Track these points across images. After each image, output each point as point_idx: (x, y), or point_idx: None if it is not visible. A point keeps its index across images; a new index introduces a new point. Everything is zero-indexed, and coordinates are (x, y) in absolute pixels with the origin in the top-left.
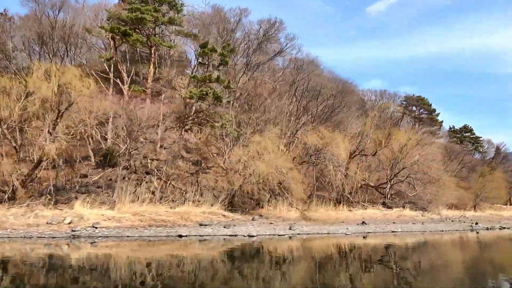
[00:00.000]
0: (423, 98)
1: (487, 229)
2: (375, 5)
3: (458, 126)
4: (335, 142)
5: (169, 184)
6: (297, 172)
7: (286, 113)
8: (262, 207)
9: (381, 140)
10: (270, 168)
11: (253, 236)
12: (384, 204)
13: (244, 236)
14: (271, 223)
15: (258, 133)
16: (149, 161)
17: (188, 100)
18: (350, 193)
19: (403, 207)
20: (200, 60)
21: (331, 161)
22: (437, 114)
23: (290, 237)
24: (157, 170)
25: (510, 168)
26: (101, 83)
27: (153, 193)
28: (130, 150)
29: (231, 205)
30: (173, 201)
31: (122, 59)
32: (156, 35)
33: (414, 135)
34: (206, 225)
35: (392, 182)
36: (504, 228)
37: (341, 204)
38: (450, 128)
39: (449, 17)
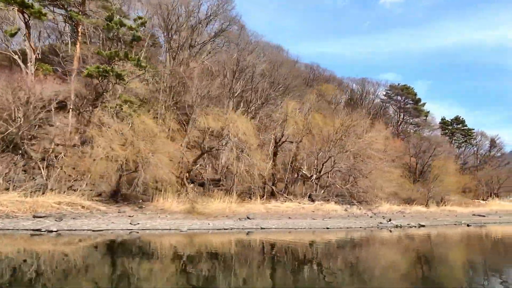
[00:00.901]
0: (408, 87)
1: (396, 226)
2: None
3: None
4: (235, 125)
5: (59, 171)
6: (166, 158)
7: (229, 97)
8: (163, 199)
9: (307, 127)
10: (132, 153)
11: (53, 231)
12: (310, 197)
13: (48, 231)
14: (130, 216)
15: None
16: (52, 146)
17: (96, 79)
18: (286, 185)
19: (328, 200)
20: (108, 35)
21: (234, 146)
22: (423, 104)
23: (130, 233)
24: (55, 156)
25: (504, 162)
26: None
27: (33, 179)
28: (22, 134)
29: (123, 196)
30: (51, 189)
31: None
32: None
33: (346, 121)
34: (41, 217)
35: (320, 173)
36: (423, 226)
37: (262, 196)
38: (441, 119)
39: (465, 9)
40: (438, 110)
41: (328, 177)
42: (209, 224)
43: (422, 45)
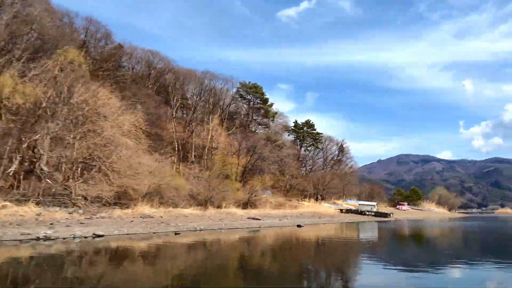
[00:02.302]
0: (257, 86)
1: (38, 239)
2: (286, 11)
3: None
4: None
5: None
6: None
7: None
8: None
9: None
10: None
11: None
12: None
13: None
14: None
15: None
16: None
17: None
18: (19, 181)
19: (26, 201)
20: None
21: None
22: (270, 105)
23: None
24: None
25: (349, 165)
26: None
27: None
28: None
29: None
30: None
31: None
32: None
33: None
34: None
35: (33, 163)
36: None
37: None
38: (294, 122)
39: (357, 31)
40: (324, 121)
41: (42, 168)
42: None
43: (315, 60)
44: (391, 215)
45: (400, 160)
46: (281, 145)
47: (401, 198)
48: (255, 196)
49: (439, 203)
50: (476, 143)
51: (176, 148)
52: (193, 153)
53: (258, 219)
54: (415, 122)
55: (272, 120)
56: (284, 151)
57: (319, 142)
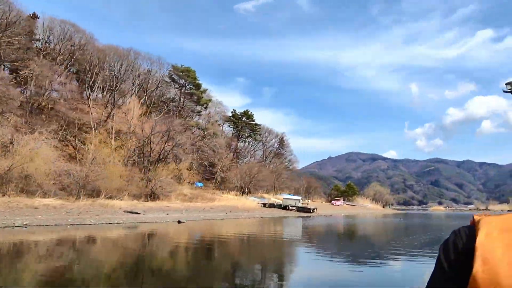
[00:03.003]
0: (189, 69)
1: None
2: (243, 4)
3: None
4: None
5: None
6: None
7: None
8: None
9: None
10: None
11: None
12: None
13: None
14: None
15: None
16: None
17: None
18: None
19: None
20: None
21: None
22: (203, 91)
23: None
24: None
25: (288, 158)
26: None
27: None
28: None
29: None
30: None
31: None
32: None
33: None
34: None
35: None
36: None
37: None
38: (232, 112)
39: (312, 29)
40: (277, 115)
41: None
42: None
43: (272, 55)
44: (315, 210)
45: (349, 157)
46: (212, 134)
47: (337, 194)
48: (160, 186)
49: (374, 199)
50: (419, 144)
51: (93, 131)
52: (113, 137)
53: (137, 213)
54: (365, 121)
55: (205, 108)
56: (216, 141)
57: (257, 133)
